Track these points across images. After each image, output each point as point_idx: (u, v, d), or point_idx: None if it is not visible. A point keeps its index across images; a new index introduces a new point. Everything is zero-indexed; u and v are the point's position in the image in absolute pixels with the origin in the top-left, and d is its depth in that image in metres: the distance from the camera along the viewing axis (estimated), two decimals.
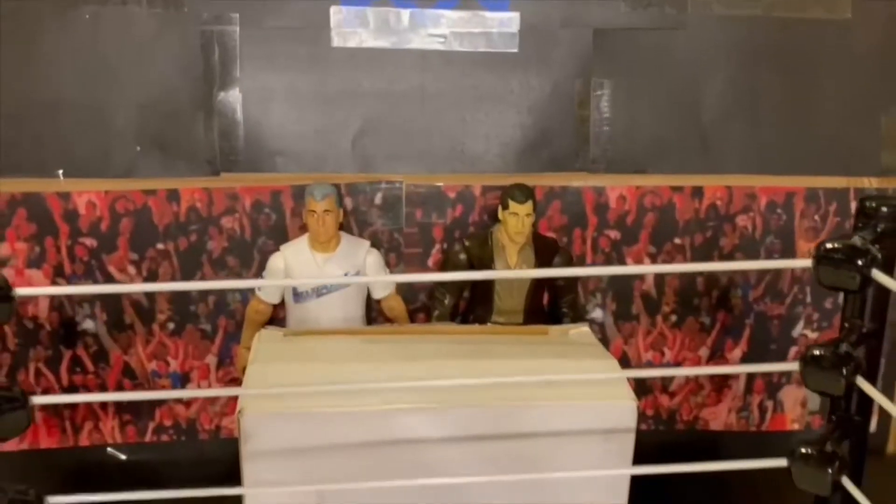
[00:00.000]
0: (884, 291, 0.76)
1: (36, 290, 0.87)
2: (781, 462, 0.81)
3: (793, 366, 0.78)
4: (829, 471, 0.76)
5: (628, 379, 0.88)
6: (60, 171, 1.03)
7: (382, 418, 0.83)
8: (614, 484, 0.90)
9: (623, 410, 0.87)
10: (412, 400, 0.83)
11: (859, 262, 0.71)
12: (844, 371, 0.73)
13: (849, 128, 1.12)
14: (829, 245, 0.73)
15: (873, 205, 0.77)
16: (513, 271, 1.00)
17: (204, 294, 1.07)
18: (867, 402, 0.79)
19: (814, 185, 1.11)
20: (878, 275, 0.71)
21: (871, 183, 1.13)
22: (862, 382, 0.74)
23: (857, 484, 0.79)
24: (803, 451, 0.78)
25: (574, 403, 0.87)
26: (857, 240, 0.73)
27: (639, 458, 1.02)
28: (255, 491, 0.81)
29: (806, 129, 1.11)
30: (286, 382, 0.84)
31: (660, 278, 1.13)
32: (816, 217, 1.13)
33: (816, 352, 0.76)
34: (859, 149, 1.13)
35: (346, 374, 0.87)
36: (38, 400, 0.71)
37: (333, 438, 0.82)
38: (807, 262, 0.74)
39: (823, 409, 1.19)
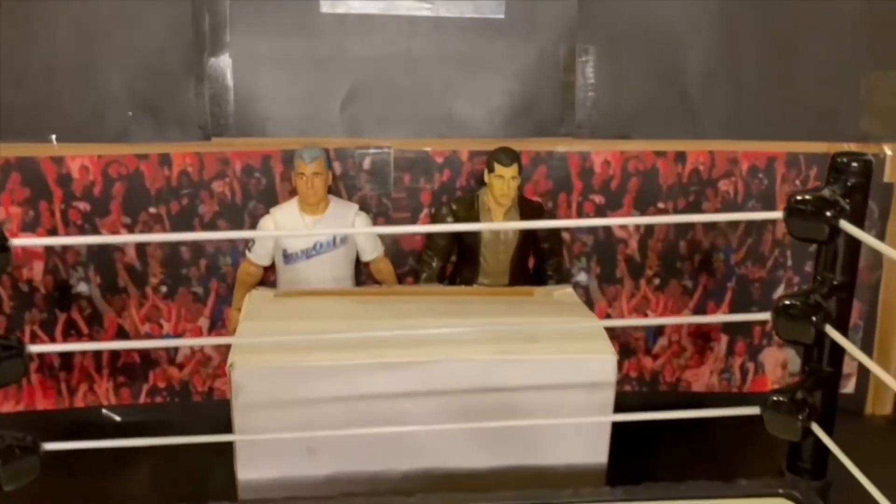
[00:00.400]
0: (853, 243, 0.79)
1: (31, 240, 0.90)
2: (755, 410, 0.84)
3: (765, 316, 0.81)
4: (800, 417, 0.80)
5: (610, 336, 0.92)
6: (54, 136, 1.05)
7: (368, 372, 0.85)
8: (596, 439, 0.93)
9: (604, 364, 0.90)
10: (398, 354, 0.86)
11: (828, 214, 0.74)
12: (814, 319, 0.76)
13: (829, 93, 1.14)
14: (799, 197, 0.76)
15: (844, 160, 0.80)
16: (498, 223, 1.02)
17: (196, 258, 1.09)
18: (838, 352, 0.82)
19: (794, 150, 1.13)
20: (846, 225, 0.74)
21: (850, 148, 1.15)
22: (832, 331, 0.77)
23: (829, 432, 0.82)
24: (775, 399, 0.81)
25: (557, 358, 0.90)
26: (826, 192, 0.76)
27: (624, 430, 1.05)
28: (246, 438, 0.83)
29: (787, 95, 1.13)
30: (279, 331, 0.87)
31: (643, 242, 1.15)
32: (797, 181, 1.15)
33: (788, 302, 0.79)
34: (839, 114, 1.15)
35: (333, 331, 0.89)
36: (34, 349, 0.74)
37: (321, 391, 0.85)
38: (778, 214, 0.77)
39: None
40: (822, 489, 0.84)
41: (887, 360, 1.22)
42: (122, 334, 1.11)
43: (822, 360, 0.82)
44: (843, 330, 0.81)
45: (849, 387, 1.24)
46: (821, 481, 0.85)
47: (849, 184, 0.77)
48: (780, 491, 0.83)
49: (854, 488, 0.80)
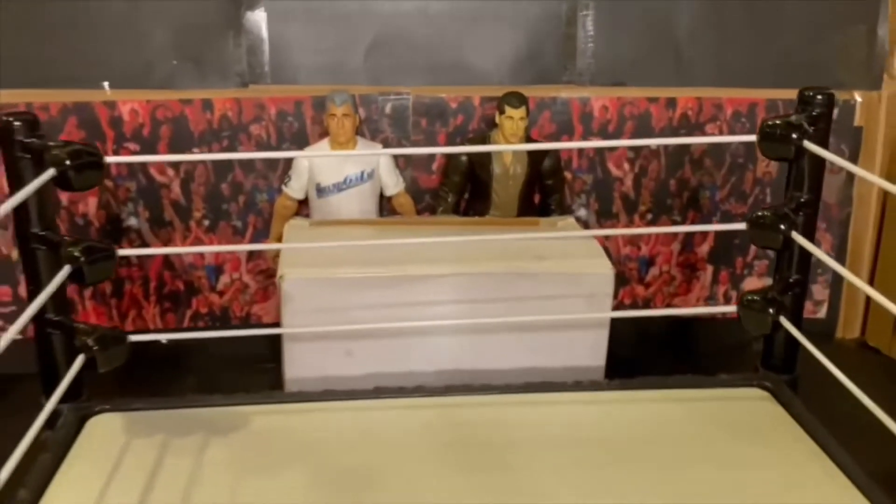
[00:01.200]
0: (818, 163, 0.91)
1: (123, 158, 1.02)
2: (732, 308, 0.97)
3: (740, 225, 0.94)
4: (770, 311, 0.93)
5: (609, 255, 1.04)
6: (106, 83, 1.16)
7: (397, 283, 0.98)
8: (595, 344, 1.06)
9: (602, 278, 1.03)
10: (422, 268, 0.99)
11: (793, 136, 0.87)
12: (782, 227, 0.89)
13: (807, 46, 1.26)
14: (770, 122, 0.89)
15: (810, 94, 0.92)
16: (509, 145, 1.12)
17: (235, 194, 1.21)
18: (806, 260, 0.95)
19: (774, 97, 1.25)
20: (809, 145, 0.87)
21: (856, 97, 1.26)
22: (798, 237, 0.90)
23: (797, 328, 0.95)
24: (749, 298, 0.95)
25: (562, 272, 1.03)
26: (793, 118, 0.88)
27: (618, 340, 1.18)
28: (293, 331, 0.95)
29: (769, 47, 1.25)
30: (319, 252, 0.99)
31: (637, 181, 1.27)
32: None
33: (760, 213, 0.92)
34: (816, 65, 1.26)
35: (366, 249, 1.01)
36: (122, 252, 0.86)
37: (356, 300, 0.98)
38: (752, 137, 0.90)
39: None
40: (790, 381, 0.97)
41: (856, 291, 1.35)
42: (168, 264, 1.24)
43: (792, 265, 0.95)
44: (810, 238, 0.93)
45: (821, 313, 1.37)
46: (790, 375, 0.98)
47: (814, 113, 0.90)
48: (755, 383, 0.97)
49: (820, 382, 0.93)
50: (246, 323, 1.27)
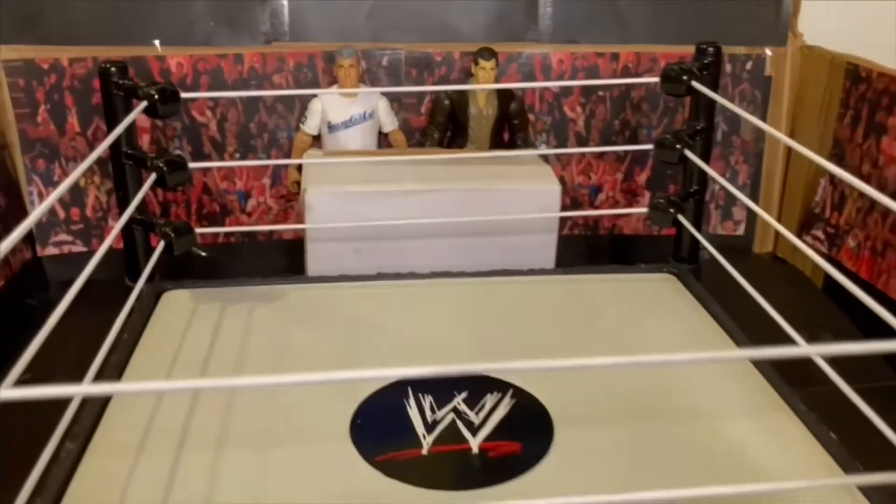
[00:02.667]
0: (709, 101, 1.19)
1: (197, 94, 1.30)
2: (644, 210, 1.27)
3: (647, 146, 1.23)
4: (671, 210, 1.23)
5: (563, 193, 1.32)
6: (157, 41, 1.43)
7: (394, 196, 1.26)
8: (546, 249, 1.35)
9: (551, 193, 1.32)
10: (414, 185, 1.27)
11: (685, 77, 1.15)
12: (678, 147, 1.18)
13: (727, 7, 1.52)
14: (667, 67, 1.17)
15: (703, 46, 1.20)
16: (483, 85, 1.40)
17: (261, 132, 1.49)
18: (703, 175, 1.24)
19: None
20: (697, 85, 1.16)
21: (740, 50, 1.54)
22: (690, 154, 1.19)
23: (697, 228, 1.25)
24: (656, 201, 1.24)
25: (520, 188, 1.31)
26: (686, 64, 1.16)
27: (572, 254, 1.48)
28: (315, 228, 1.24)
29: (695, 10, 1.52)
30: (335, 171, 1.28)
31: (588, 122, 1.56)
32: None
33: (663, 137, 1.21)
34: (735, 24, 1.52)
35: (370, 170, 1.30)
36: (193, 165, 1.14)
37: (365, 210, 1.26)
38: (656, 79, 1.18)
39: (708, 217, 1.63)
40: (693, 270, 1.27)
41: (770, 208, 1.64)
42: (206, 190, 1.52)
43: (691, 179, 1.24)
44: (706, 159, 1.22)
45: (740, 231, 1.67)
46: (693, 265, 1.28)
47: (705, 61, 1.17)
48: (664, 270, 1.26)
49: (718, 274, 1.21)
50: (269, 238, 1.56)
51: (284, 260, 1.53)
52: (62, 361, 0.82)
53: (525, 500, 0.75)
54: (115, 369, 0.94)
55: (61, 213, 1.50)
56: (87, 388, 0.69)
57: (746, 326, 1.08)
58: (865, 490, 0.76)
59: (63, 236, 1.51)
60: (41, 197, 1.48)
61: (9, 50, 1.40)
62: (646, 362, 0.50)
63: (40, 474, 0.69)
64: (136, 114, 1.02)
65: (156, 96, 1.03)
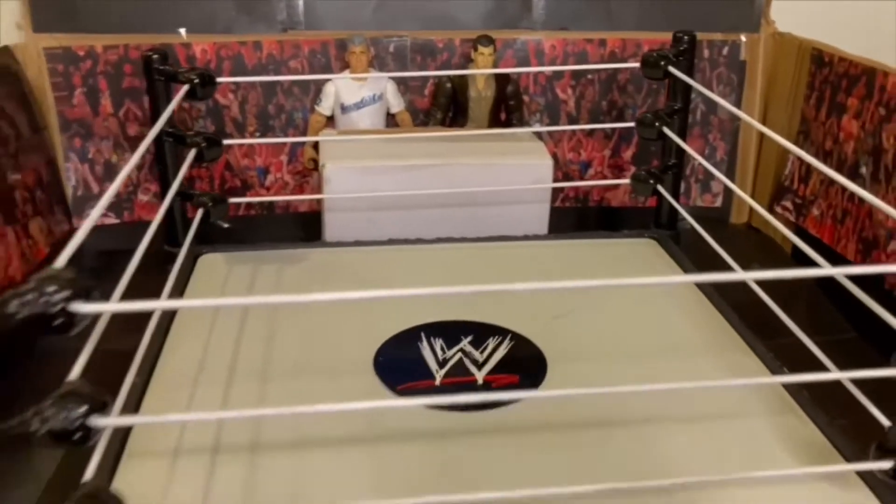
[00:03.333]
0: (685, 85, 1.33)
1: (228, 79, 1.43)
2: (627, 181, 1.41)
3: (630, 123, 1.37)
4: (651, 181, 1.37)
5: (556, 168, 1.46)
6: (183, 30, 1.56)
7: (404, 170, 1.40)
8: (539, 218, 1.49)
9: (544, 167, 1.45)
10: (421, 159, 1.41)
11: (662, 62, 1.29)
12: (657, 124, 1.32)
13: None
14: (646, 53, 1.31)
15: (680, 35, 1.34)
16: (482, 69, 1.53)
17: (279, 112, 1.62)
18: (680, 151, 1.38)
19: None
20: (672, 70, 1.29)
21: (717, 37, 1.68)
22: (667, 131, 1.33)
23: (675, 198, 1.39)
24: (637, 172, 1.39)
25: (515, 163, 1.45)
26: (664, 50, 1.30)
27: (564, 224, 1.62)
28: (333, 197, 1.38)
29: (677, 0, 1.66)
30: (349, 148, 1.41)
31: (578, 103, 1.69)
32: None
33: (643, 115, 1.34)
34: (712, 13, 1.66)
35: (380, 146, 1.44)
36: (227, 142, 1.28)
37: (378, 184, 1.40)
38: (636, 64, 1.32)
39: (688, 191, 1.78)
40: (673, 236, 1.41)
41: (745, 182, 1.78)
42: (228, 166, 1.65)
43: (669, 153, 1.38)
44: (682, 137, 1.36)
45: (717, 202, 1.82)
46: (673, 231, 1.42)
47: (681, 48, 1.31)
48: (646, 235, 1.40)
49: (697, 241, 1.35)
50: (286, 211, 1.70)
51: (300, 231, 1.67)
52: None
53: (522, 421, 0.90)
54: (167, 316, 1.08)
55: (95, 188, 1.63)
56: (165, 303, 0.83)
57: (719, 287, 1.22)
58: (806, 407, 0.91)
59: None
60: (77, 172, 1.61)
61: (49, 38, 1.53)
62: (608, 285, 0.64)
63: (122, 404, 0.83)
64: (181, 97, 1.15)
65: (196, 80, 1.17)
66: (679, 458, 0.82)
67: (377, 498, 0.76)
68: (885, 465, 0.70)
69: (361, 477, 0.80)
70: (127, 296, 0.81)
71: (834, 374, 0.78)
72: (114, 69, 1.56)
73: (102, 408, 0.59)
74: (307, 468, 0.82)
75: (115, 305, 0.60)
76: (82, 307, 0.56)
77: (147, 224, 1.42)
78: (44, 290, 0.54)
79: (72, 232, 1.63)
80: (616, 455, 0.83)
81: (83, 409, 0.58)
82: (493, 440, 0.87)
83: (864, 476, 0.78)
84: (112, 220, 1.65)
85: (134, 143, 1.61)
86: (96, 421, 0.59)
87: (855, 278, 0.84)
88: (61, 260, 0.61)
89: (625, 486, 0.75)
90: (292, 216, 1.70)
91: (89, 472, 0.67)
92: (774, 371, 0.98)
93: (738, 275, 0.77)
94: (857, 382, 0.83)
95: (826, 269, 0.67)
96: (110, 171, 1.63)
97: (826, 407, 0.91)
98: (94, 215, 0.75)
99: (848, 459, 0.81)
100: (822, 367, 0.89)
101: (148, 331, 0.98)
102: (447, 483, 0.79)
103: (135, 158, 0.92)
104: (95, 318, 0.62)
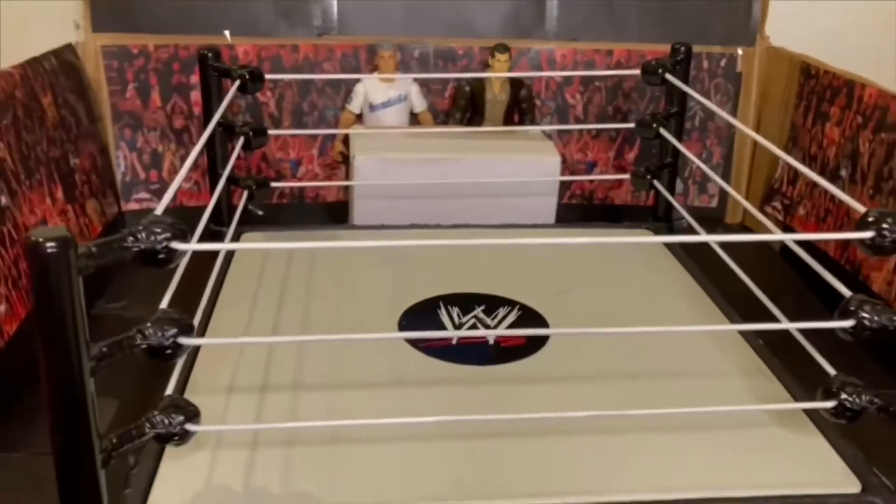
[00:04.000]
0: (681, 92, 1.47)
1: (274, 76, 1.59)
2: (627, 175, 1.55)
3: (631, 125, 1.51)
4: (648, 177, 1.51)
5: (563, 168, 1.60)
6: (227, 32, 1.71)
7: (427, 163, 1.55)
8: (547, 209, 1.63)
9: (551, 163, 1.60)
10: (441, 153, 1.56)
11: (660, 70, 1.43)
12: (654, 125, 1.46)
13: (707, 13, 1.80)
14: (645, 62, 1.45)
15: (678, 46, 1.48)
16: (498, 74, 1.68)
17: (311, 110, 1.78)
18: (675, 151, 1.52)
19: (693, 50, 1.79)
20: (669, 77, 1.43)
21: (717, 49, 1.82)
22: (664, 132, 1.47)
23: (671, 192, 1.53)
24: (636, 169, 1.53)
25: (527, 158, 1.60)
26: (662, 60, 1.44)
27: (570, 218, 1.76)
28: (362, 184, 1.52)
29: (680, 14, 1.80)
30: (377, 142, 1.56)
31: (586, 106, 1.84)
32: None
33: (642, 117, 1.49)
34: (713, 26, 1.81)
35: (405, 141, 1.59)
36: (272, 132, 1.43)
37: (402, 174, 1.54)
38: (637, 71, 1.46)
39: (685, 191, 1.92)
40: (668, 227, 1.55)
41: (739, 183, 1.92)
42: (264, 158, 1.80)
43: (665, 153, 1.51)
44: (678, 138, 1.50)
45: (713, 203, 1.95)
46: (668, 223, 1.56)
47: (678, 58, 1.45)
48: (644, 227, 1.55)
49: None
50: (314, 201, 1.85)
51: (327, 219, 1.82)
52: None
53: (528, 375, 1.04)
54: (219, 281, 1.23)
55: (142, 175, 1.79)
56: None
57: (711, 274, 1.35)
58: (776, 370, 1.05)
59: (143, 194, 1.80)
60: (126, 160, 1.77)
61: (106, 37, 1.69)
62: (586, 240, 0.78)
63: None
64: (234, 90, 1.30)
65: (247, 76, 1.32)
66: (656, 403, 0.95)
67: (403, 433, 0.90)
68: (829, 404, 0.83)
69: (386, 412, 0.94)
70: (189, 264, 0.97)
71: (784, 325, 0.92)
72: (164, 66, 1.72)
73: (189, 330, 0.74)
74: (342, 404, 0.96)
75: (203, 245, 0.75)
76: (180, 245, 0.70)
77: (187, 209, 1.58)
78: (152, 231, 0.69)
79: (121, 214, 1.79)
80: (604, 399, 0.97)
81: (174, 330, 0.73)
82: (502, 389, 1.01)
83: (812, 416, 0.92)
84: (155, 205, 1.80)
85: (179, 134, 1.77)
86: (183, 340, 0.74)
87: (839, 273, 0.97)
88: (159, 209, 0.76)
89: (611, 413, 0.89)
90: (321, 205, 1.85)
91: (170, 387, 0.82)
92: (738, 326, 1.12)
93: (702, 237, 0.93)
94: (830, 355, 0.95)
95: (778, 235, 0.81)
96: (156, 160, 1.78)
97: (797, 374, 1.04)
98: (181, 174, 0.91)
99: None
100: (792, 339, 1.02)
101: (210, 282, 1.13)
102: (455, 424, 0.92)
103: (199, 145, 1.07)
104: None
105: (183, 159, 1.79)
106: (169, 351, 0.73)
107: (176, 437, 0.76)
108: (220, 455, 0.88)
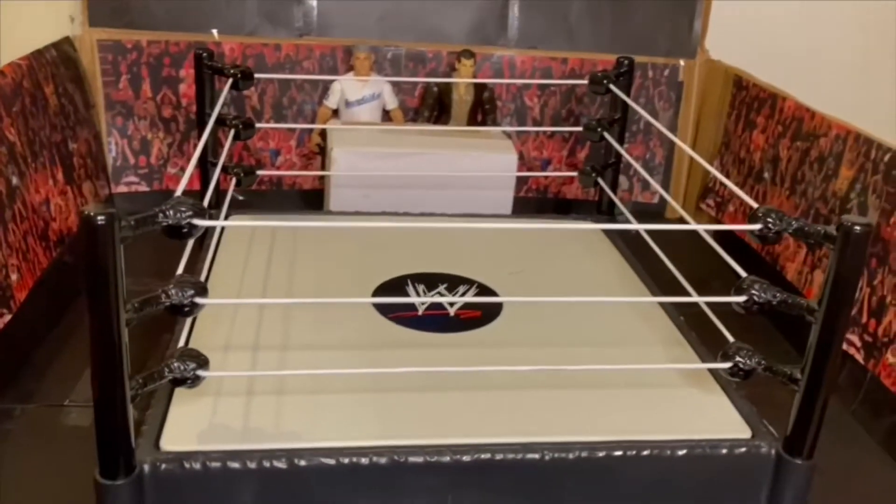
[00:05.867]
0: (623, 101, 1.66)
1: (264, 75, 1.73)
2: (575, 173, 1.74)
3: (579, 128, 1.69)
4: (593, 175, 1.70)
5: (520, 165, 1.78)
6: (215, 31, 1.86)
7: (396, 156, 1.71)
8: (504, 201, 1.81)
9: (509, 160, 1.78)
10: (410, 148, 1.72)
11: (605, 81, 1.61)
12: (599, 129, 1.64)
13: (653, 27, 1.99)
14: (592, 73, 1.64)
15: (622, 59, 1.67)
16: (464, 78, 1.86)
17: (291, 104, 1.93)
18: (618, 153, 1.70)
19: (640, 60, 1.98)
20: (612, 87, 1.62)
21: (659, 60, 2.02)
22: (607, 135, 1.65)
23: (612, 190, 1.72)
24: (583, 167, 1.71)
25: (487, 154, 1.77)
26: (608, 72, 1.63)
27: (526, 211, 1.94)
28: (338, 174, 1.68)
29: (628, 27, 1.99)
30: (353, 137, 1.73)
31: (542, 108, 2.02)
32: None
33: (588, 121, 1.67)
34: (656, 38, 2.01)
35: (378, 137, 1.75)
36: (260, 125, 1.58)
37: (374, 165, 1.71)
38: (585, 81, 1.64)
39: (630, 188, 2.11)
40: (609, 220, 1.74)
41: (679, 182, 2.12)
42: (245, 147, 1.95)
43: (609, 154, 1.70)
44: (619, 141, 1.68)
45: (655, 199, 2.15)
46: (610, 217, 1.75)
47: (621, 70, 1.63)
48: (588, 219, 1.73)
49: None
50: (291, 188, 2.00)
51: (303, 205, 1.98)
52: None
53: (482, 341, 1.22)
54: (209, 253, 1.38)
55: (132, 160, 1.92)
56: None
57: (645, 263, 1.53)
58: (693, 342, 1.24)
59: (132, 178, 1.94)
60: (117, 146, 1.90)
61: (102, 32, 1.83)
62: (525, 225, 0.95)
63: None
64: (228, 88, 1.46)
65: (238, 75, 1.47)
66: (590, 364, 1.14)
67: (375, 385, 1.06)
68: (726, 365, 1.02)
69: (361, 367, 1.11)
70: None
71: (693, 298, 1.11)
72: (155, 60, 1.86)
73: (204, 292, 0.90)
74: (323, 362, 1.13)
75: (218, 223, 0.91)
76: (200, 222, 0.86)
77: (173, 193, 1.72)
78: (178, 209, 0.85)
79: (111, 196, 1.93)
80: (547, 361, 1.15)
81: (192, 291, 0.89)
82: (460, 352, 1.19)
83: (717, 378, 1.12)
84: (144, 188, 1.95)
85: (167, 123, 1.91)
86: (199, 300, 0.89)
87: (760, 263, 1.16)
88: (179, 190, 0.92)
89: (552, 367, 1.07)
90: (297, 193, 2.01)
91: (182, 340, 0.98)
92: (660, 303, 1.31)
93: (633, 225, 1.11)
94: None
95: (692, 226, 1.00)
96: (146, 146, 1.92)
97: (710, 346, 1.23)
98: (192, 163, 1.06)
99: (711, 374, 1.14)
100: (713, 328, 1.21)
101: (207, 259, 1.28)
102: (424, 378, 1.09)
103: (204, 138, 1.23)
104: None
105: (170, 146, 1.93)
106: (187, 308, 0.89)
107: (189, 381, 0.92)
108: (219, 401, 1.04)
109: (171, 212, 0.85)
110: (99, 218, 0.79)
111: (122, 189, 1.93)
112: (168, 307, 0.89)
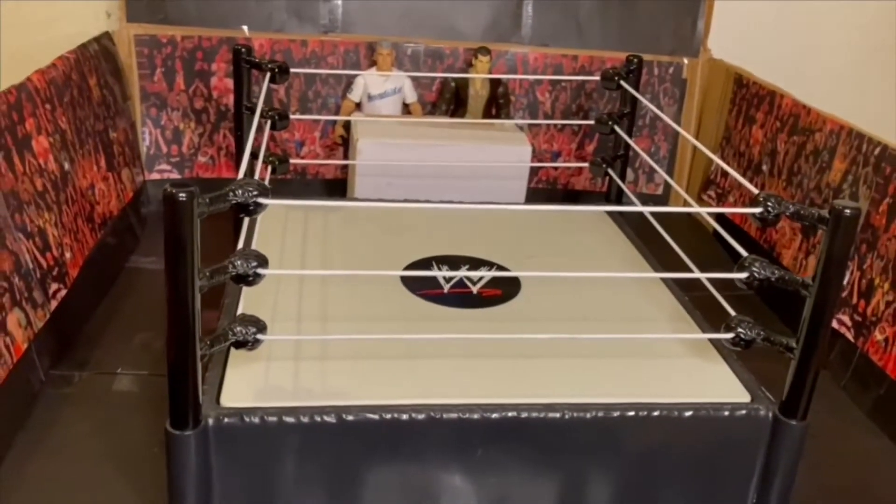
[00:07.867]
0: (633, 96, 1.76)
1: (299, 70, 1.84)
2: (586, 164, 1.85)
3: (591, 122, 1.80)
4: (603, 165, 1.80)
5: (532, 158, 1.89)
6: (245, 27, 1.96)
7: (418, 147, 1.82)
8: (518, 192, 1.92)
9: (523, 152, 1.89)
10: (429, 139, 1.83)
11: (616, 77, 1.72)
12: (609, 122, 1.75)
13: (659, 26, 2.10)
14: (604, 70, 1.74)
15: (632, 57, 1.78)
16: (480, 74, 1.96)
17: (316, 98, 2.03)
18: (627, 145, 1.81)
19: (646, 58, 2.08)
20: (623, 83, 1.73)
21: (664, 58, 2.12)
22: (617, 129, 1.76)
23: (622, 179, 1.83)
24: (593, 158, 1.82)
25: (502, 147, 1.88)
26: (619, 68, 1.74)
27: (537, 201, 2.05)
28: (364, 163, 1.79)
29: (636, 26, 2.09)
30: (376, 128, 1.83)
31: (553, 104, 2.13)
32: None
33: (599, 115, 1.78)
34: (661, 36, 2.11)
35: (399, 129, 1.86)
36: (294, 116, 1.69)
37: (398, 156, 1.81)
38: (597, 77, 1.75)
39: (635, 179, 2.22)
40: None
41: (682, 174, 2.23)
42: (272, 137, 2.05)
43: (618, 146, 1.81)
44: (628, 134, 1.79)
45: (659, 190, 2.26)
46: (619, 203, 1.86)
47: (631, 67, 1.74)
48: (601, 210, 1.85)
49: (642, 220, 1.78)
50: (315, 178, 2.11)
51: (326, 193, 2.09)
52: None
53: (502, 316, 1.33)
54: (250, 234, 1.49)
55: (164, 149, 2.03)
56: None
57: (652, 248, 1.64)
58: (697, 319, 1.35)
59: (164, 166, 2.04)
60: (150, 135, 2.01)
61: (139, 27, 1.93)
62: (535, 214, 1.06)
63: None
64: (267, 82, 1.56)
65: (276, 70, 1.58)
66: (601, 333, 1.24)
67: (408, 351, 1.17)
68: (728, 336, 1.13)
69: (405, 338, 1.21)
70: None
71: (695, 274, 1.22)
72: (188, 55, 1.96)
73: (265, 263, 1.01)
74: (360, 331, 1.24)
75: (279, 201, 1.01)
76: (264, 200, 0.97)
77: (203, 180, 1.84)
78: (246, 189, 0.96)
79: (144, 182, 2.03)
80: (561, 332, 1.26)
81: (255, 263, 1.00)
82: (484, 325, 1.30)
83: (718, 348, 1.23)
84: (175, 176, 2.05)
85: (199, 114, 2.02)
86: (261, 270, 1.00)
87: (758, 250, 1.27)
88: (241, 173, 1.02)
89: (566, 336, 1.18)
90: (320, 182, 2.11)
91: (241, 307, 1.09)
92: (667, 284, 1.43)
93: (639, 207, 1.23)
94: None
95: (693, 209, 1.11)
96: (177, 136, 2.02)
97: (711, 322, 1.34)
98: (247, 153, 1.16)
99: (712, 344, 1.25)
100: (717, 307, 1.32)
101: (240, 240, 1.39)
102: (454, 347, 1.20)
103: (253, 130, 1.34)
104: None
105: (201, 136, 2.03)
106: (250, 278, 1.00)
107: (249, 344, 1.03)
108: (270, 364, 1.15)
109: (240, 191, 0.96)
110: (180, 195, 0.89)
111: (155, 176, 2.03)
112: (233, 276, 1.00)
